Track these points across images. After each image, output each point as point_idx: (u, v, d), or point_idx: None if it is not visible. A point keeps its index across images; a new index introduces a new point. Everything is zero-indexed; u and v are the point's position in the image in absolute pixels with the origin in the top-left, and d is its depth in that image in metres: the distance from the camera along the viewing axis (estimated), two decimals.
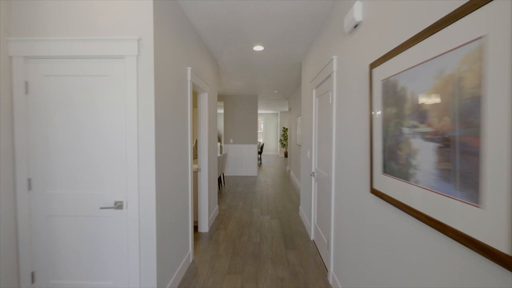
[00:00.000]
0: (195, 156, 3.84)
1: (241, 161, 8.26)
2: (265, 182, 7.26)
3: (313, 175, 3.16)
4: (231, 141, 8.24)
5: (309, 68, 3.55)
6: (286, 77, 5.51)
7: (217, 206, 4.39)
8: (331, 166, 2.32)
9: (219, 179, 6.23)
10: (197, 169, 3.53)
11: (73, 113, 1.81)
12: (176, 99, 2.32)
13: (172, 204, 2.21)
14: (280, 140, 14.32)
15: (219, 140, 14.09)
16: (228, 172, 8.30)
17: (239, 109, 8.20)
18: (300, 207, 4.35)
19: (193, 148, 3.74)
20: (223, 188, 6.39)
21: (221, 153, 10.60)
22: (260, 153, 11.78)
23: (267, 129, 15.47)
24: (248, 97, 8.17)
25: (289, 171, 9.21)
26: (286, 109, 12.70)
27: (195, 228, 3.66)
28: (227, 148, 8.25)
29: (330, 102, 2.36)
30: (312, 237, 3.28)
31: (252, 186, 6.62)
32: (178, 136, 2.37)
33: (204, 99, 3.49)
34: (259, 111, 14.36)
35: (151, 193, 1.85)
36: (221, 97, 8.22)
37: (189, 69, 2.63)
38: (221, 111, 13.16)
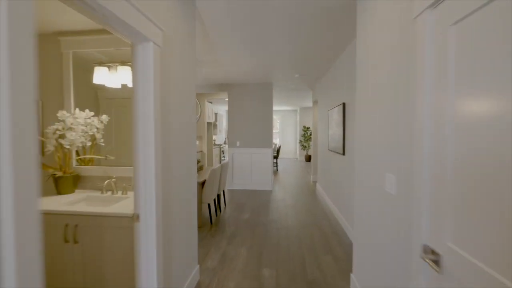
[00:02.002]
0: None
1: (250, 170, 6.25)
2: (283, 201, 5.21)
3: (438, 263, 1.08)
4: (238, 144, 6.25)
5: None
6: (317, 40, 3.45)
7: (198, 266, 2.41)
8: None
9: (217, 199, 4.25)
10: (133, 216, 1.57)
11: None
12: None
13: None
14: (300, 141, 12.21)
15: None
16: (234, 185, 6.31)
17: (247, 102, 6.20)
18: (352, 275, 2.29)
19: None
20: (221, 214, 4.41)
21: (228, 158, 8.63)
22: (276, 157, 9.73)
23: (284, 129, 13.39)
24: (260, 85, 6.15)
25: (314, 182, 7.10)
26: (309, 104, 10.54)
27: None
28: (232, 154, 6.27)
29: None
30: None
31: (265, 210, 4.60)
32: None
33: (146, 56, 1.52)
34: (274, 108, 12.27)
35: None
36: (222, 86, 6.26)
37: None
38: (224, 106, 11.10)
